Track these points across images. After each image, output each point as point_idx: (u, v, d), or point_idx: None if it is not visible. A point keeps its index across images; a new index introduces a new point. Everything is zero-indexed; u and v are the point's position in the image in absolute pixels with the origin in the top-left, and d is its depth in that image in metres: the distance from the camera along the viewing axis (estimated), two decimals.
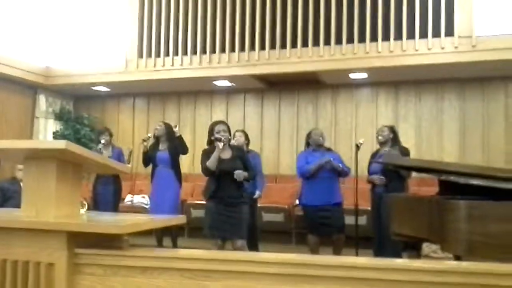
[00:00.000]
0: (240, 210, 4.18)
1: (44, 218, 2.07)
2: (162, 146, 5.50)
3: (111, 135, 6.11)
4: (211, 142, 4.26)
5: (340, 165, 4.86)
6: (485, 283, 1.65)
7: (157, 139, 5.56)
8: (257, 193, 5.37)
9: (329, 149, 5.11)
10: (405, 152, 4.97)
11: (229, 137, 4.32)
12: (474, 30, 5.98)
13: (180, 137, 5.52)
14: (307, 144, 5.13)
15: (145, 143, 5.55)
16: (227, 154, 4.19)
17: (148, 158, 5.52)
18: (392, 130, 5.10)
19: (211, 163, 4.09)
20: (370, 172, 5.02)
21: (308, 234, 4.94)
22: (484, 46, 5.92)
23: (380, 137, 5.07)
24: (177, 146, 5.45)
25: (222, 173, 4.11)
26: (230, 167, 4.11)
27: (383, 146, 5.05)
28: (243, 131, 5.63)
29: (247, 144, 5.54)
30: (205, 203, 4.37)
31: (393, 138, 5.05)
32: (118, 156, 5.87)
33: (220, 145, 4.08)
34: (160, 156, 5.44)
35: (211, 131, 4.26)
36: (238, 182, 4.14)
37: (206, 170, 4.16)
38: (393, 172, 4.71)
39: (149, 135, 5.73)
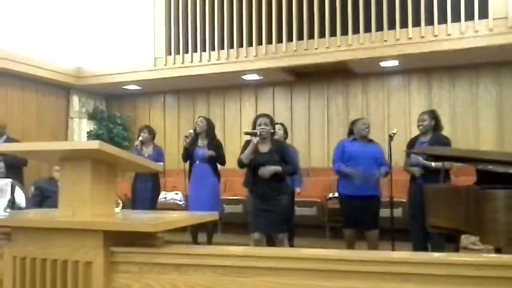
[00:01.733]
0: (279, 203, 4.17)
1: (81, 217, 2.12)
2: (202, 142, 5.47)
3: (151, 133, 6.02)
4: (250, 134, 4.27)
5: (380, 172, 4.70)
6: None
7: (196, 134, 5.52)
8: (297, 189, 5.37)
9: (370, 141, 4.91)
10: (447, 143, 4.71)
11: (271, 130, 4.27)
12: (510, 11, 5.74)
13: (221, 147, 5.55)
14: (350, 132, 4.97)
15: (187, 139, 5.49)
16: (265, 148, 4.20)
17: (188, 153, 5.49)
18: (433, 115, 4.83)
19: (245, 156, 4.13)
20: (407, 163, 4.85)
21: (344, 228, 4.87)
22: None
23: (421, 127, 4.82)
24: (217, 157, 5.45)
25: (257, 166, 4.12)
26: (266, 160, 4.11)
27: (424, 134, 4.82)
28: (282, 124, 5.56)
29: (285, 138, 5.50)
30: (239, 198, 4.40)
31: (435, 125, 4.79)
32: (158, 155, 5.86)
33: (255, 139, 4.09)
34: (198, 152, 5.43)
35: (253, 125, 4.26)
36: (277, 175, 4.12)
37: (239, 162, 4.21)
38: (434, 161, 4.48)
39: (191, 131, 5.60)
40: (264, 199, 4.13)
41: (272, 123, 4.29)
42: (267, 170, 4.08)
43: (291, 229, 5.15)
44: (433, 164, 4.51)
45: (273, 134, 4.31)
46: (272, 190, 4.14)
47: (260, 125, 4.17)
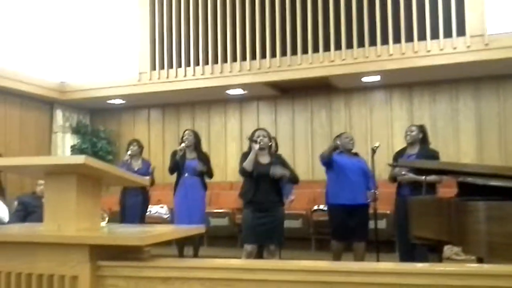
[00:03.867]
0: (278, 214, 4.27)
1: (66, 232, 2.11)
2: (191, 155, 5.49)
3: (140, 146, 6.01)
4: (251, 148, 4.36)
5: (375, 188, 4.82)
6: (508, 286, 1.63)
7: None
8: (290, 197, 5.42)
9: (355, 154, 5.01)
10: (435, 156, 4.76)
11: (269, 143, 4.43)
12: (486, 28, 5.93)
13: (209, 160, 5.60)
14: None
15: (181, 153, 5.45)
16: (266, 159, 4.31)
17: (177, 166, 5.48)
18: (422, 129, 4.90)
19: (248, 163, 4.19)
20: (393, 174, 4.84)
21: (332, 239, 4.89)
22: (497, 44, 5.87)
23: (408, 137, 4.88)
24: (207, 171, 5.50)
25: (259, 177, 4.19)
26: (268, 171, 4.19)
27: (411, 146, 4.86)
28: (274, 138, 5.60)
29: (276, 151, 5.52)
30: (225, 211, 4.43)
31: (422, 138, 4.86)
32: (147, 169, 5.83)
33: (256, 146, 4.19)
34: (188, 165, 5.43)
35: (252, 137, 4.36)
36: (276, 187, 4.24)
37: (243, 171, 4.27)
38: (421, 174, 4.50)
39: (183, 145, 5.54)
40: (263, 211, 4.19)
41: (269, 137, 4.45)
42: (278, 171, 4.17)
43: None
44: (423, 177, 4.51)
45: (271, 147, 4.48)
46: (271, 201, 4.22)
47: (259, 136, 4.30)
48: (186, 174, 5.44)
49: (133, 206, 5.76)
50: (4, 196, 5.49)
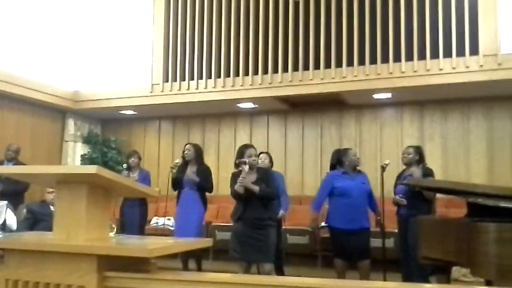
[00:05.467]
0: (267, 233, 4.17)
1: (75, 241, 2.12)
2: (191, 169, 5.47)
3: (139, 158, 6.20)
4: (237, 165, 4.30)
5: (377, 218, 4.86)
6: None
7: (186, 162, 5.54)
8: (281, 212, 5.25)
9: (359, 171, 4.95)
10: (429, 173, 4.85)
11: (258, 161, 4.42)
12: (500, 48, 5.92)
13: (210, 174, 5.56)
14: (338, 162, 4.95)
15: (174, 170, 5.51)
16: (252, 178, 4.23)
17: (177, 181, 5.50)
18: (418, 151, 5.00)
19: (240, 187, 4.13)
20: (395, 194, 4.96)
21: (335, 257, 4.86)
22: (510, 64, 5.85)
23: (404, 159, 5.01)
24: (204, 183, 5.45)
25: (248, 196, 4.14)
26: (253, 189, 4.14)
27: (408, 167, 4.97)
28: (268, 153, 5.66)
29: (271, 166, 5.56)
30: (231, 225, 4.40)
31: (419, 159, 4.94)
32: (144, 179, 5.90)
33: (246, 168, 4.14)
34: (188, 179, 5.45)
35: (240, 154, 4.28)
36: (265, 203, 4.16)
37: (235, 194, 4.21)
38: (418, 194, 4.62)
39: (177, 161, 5.67)
40: (252, 227, 4.12)
41: (258, 154, 4.49)
42: (246, 183, 4.08)
43: (278, 258, 5.07)
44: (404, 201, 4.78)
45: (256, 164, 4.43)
46: (260, 219, 4.14)
47: (250, 156, 4.24)
48: (185, 188, 5.44)
49: (131, 217, 5.82)
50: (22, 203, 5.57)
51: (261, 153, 5.48)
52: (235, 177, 4.24)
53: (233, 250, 4.22)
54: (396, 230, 5.22)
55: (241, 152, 4.30)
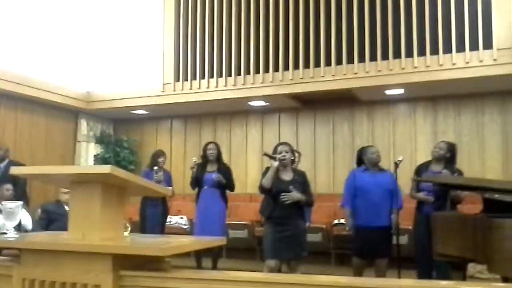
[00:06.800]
0: (297, 227, 4.16)
1: (90, 241, 2.13)
2: (211, 168, 5.52)
3: (166, 158, 6.24)
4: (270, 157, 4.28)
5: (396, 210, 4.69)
6: None
7: (206, 160, 5.57)
8: (307, 223, 5.23)
9: (381, 169, 4.87)
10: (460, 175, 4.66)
11: (292, 158, 4.31)
12: None
13: (231, 173, 5.60)
14: (359, 161, 4.93)
15: (194, 169, 5.55)
16: (287, 176, 4.21)
17: (197, 180, 5.53)
18: (451, 149, 4.76)
19: (266, 180, 4.12)
20: (418, 189, 4.76)
21: (354, 256, 4.81)
22: None
23: (435, 153, 4.76)
24: (228, 182, 5.51)
25: (279, 193, 4.10)
26: (288, 188, 4.10)
27: (436, 163, 4.75)
28: (287, 144, 5.57)
29: (293, 161, 5.49)
30: (245, 223, 4.39)
31: (450, 157, 4.72)
32: (169, 179, 5.99)
33: (274, 163, 4.10)
34: (208, 177, 5.47)
35: (274, 152, 4.28)
36: (297, 202, 4.13)
37: (261, 187, 4.20)
38: (447, 194, 4.42)
39: (194, 160, 5.68)
40: (283, 225, 4.11)
41: (292, 151, 4.34)
42: (292, 197, 4.07)
43: None
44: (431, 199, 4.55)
45: (293, 162, 4.35)
46: (291, 215, 4.12)
47: (280, 152, 4.19)
48: (206, 187, 5.47)
49: (153, 217, 5.84)
50: (28, 204, 5.59)
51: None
52: (266, 171, 4.22)
53: (266, 249, 4.20)
54: (409, 227, 5.15)
55: (274, 150, 4.30)
